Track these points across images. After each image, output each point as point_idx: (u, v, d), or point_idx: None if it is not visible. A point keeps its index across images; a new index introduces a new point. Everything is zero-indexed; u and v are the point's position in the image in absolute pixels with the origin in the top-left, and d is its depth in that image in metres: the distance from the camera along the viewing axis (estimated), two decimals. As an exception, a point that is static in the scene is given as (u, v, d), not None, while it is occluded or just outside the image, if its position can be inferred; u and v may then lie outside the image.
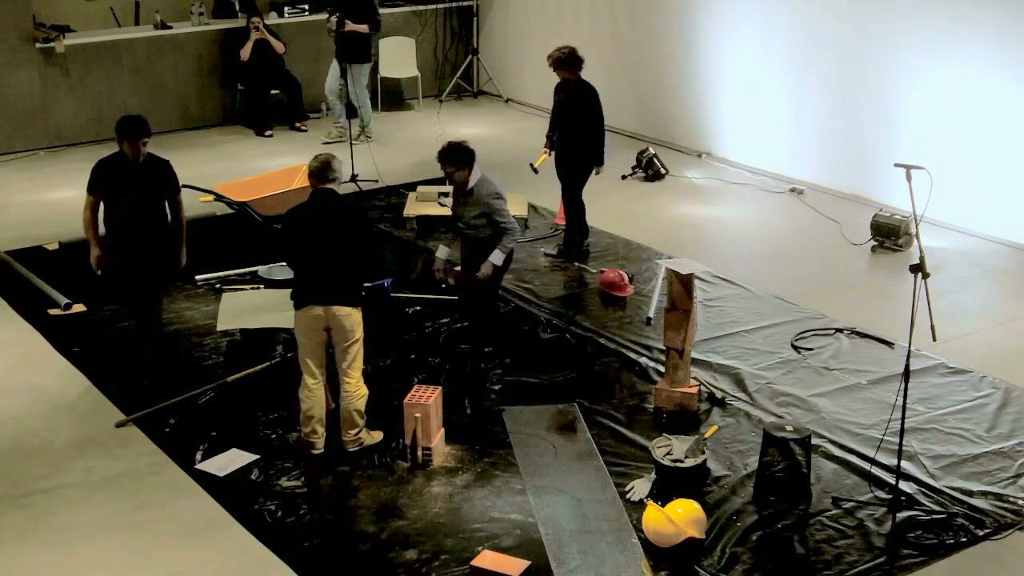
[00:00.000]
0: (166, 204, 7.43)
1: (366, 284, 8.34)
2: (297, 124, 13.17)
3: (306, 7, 13.66)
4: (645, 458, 6.39)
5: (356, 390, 6.48)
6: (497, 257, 7.29)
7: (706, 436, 6.65)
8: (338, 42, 12.16)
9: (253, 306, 7.71)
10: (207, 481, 6.32)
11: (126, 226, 7.27)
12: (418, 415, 6.34)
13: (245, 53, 12.79)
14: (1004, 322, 8.22)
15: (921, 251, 5.85)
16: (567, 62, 9.10)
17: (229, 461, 6.49)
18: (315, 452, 6.53)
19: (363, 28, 12.21)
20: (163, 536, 5.87)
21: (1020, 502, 6.08)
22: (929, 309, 5.93)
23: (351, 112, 12.23)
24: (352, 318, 6.39)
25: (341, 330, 6.38)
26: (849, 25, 10.50)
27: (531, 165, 9.42)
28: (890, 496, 6.08)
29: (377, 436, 6.65)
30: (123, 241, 7.31)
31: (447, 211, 10.17)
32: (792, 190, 10.93)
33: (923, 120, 9.99)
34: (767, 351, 7.77)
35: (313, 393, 6.49)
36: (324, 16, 12.46)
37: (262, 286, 8.39)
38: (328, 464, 6.47)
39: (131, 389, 7.27)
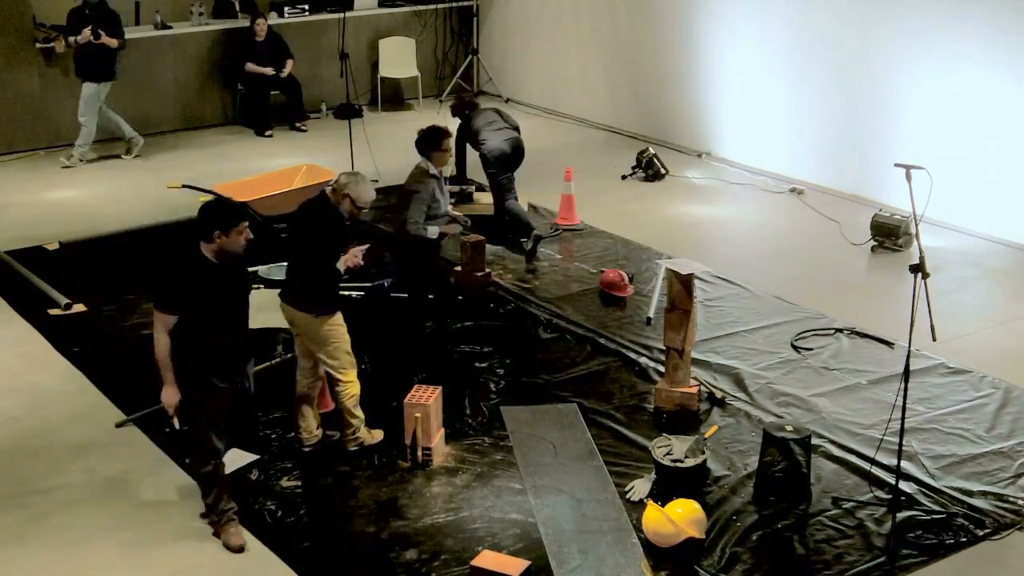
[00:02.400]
0: None
1: (366, 284, 8.37)
2: (297, 124, 13.18)
3: (306, 7, 13.66)
4: (645, 458, 6.39)
5: (343, 390, 6.43)
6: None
7: (706, 436, 6.65)
8: (82, 58, 11.63)
9: (253, 306, 7.69)
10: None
11: (211, 348, 5.59)
12: (418, 415, 6.34)
13: (252, 68, 12.80)
14: (1004, 322, 8.22)
15: (921, 251, 5.85)
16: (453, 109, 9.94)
17: (229, 461, 6.47)
18: (304, 449, 6.52)
19: (113, 42, 11.71)
20: (163, 536, 5.87)
21: (1020, 502, 6.08)
22: (929, 309, 5.93)
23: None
24: (310, 325, 6.32)
25: (307, 333, 6.37)
26: (849, 25, 10.50)
27: None
28: (890, 496, 6.08)
29: (378, 435, 6.65)
30: (204, 369, 5.60)
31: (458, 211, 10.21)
32: (792, 190, 10.93)
33: (923, 120, 9.99)
34: (767, 351, 7.77)
35: (303, 373, 6.49)
36: (82, 34, 11.54)
37: (262, 286, 8.38)
38: (328, 464, 6.47)
39: (131, 389, 7.27)
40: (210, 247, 5.49)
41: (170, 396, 5.57)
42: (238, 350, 5.73)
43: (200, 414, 5.65)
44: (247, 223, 5.56)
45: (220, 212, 5.54)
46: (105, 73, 11.73)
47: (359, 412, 6.55)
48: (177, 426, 5.66)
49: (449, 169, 11.26)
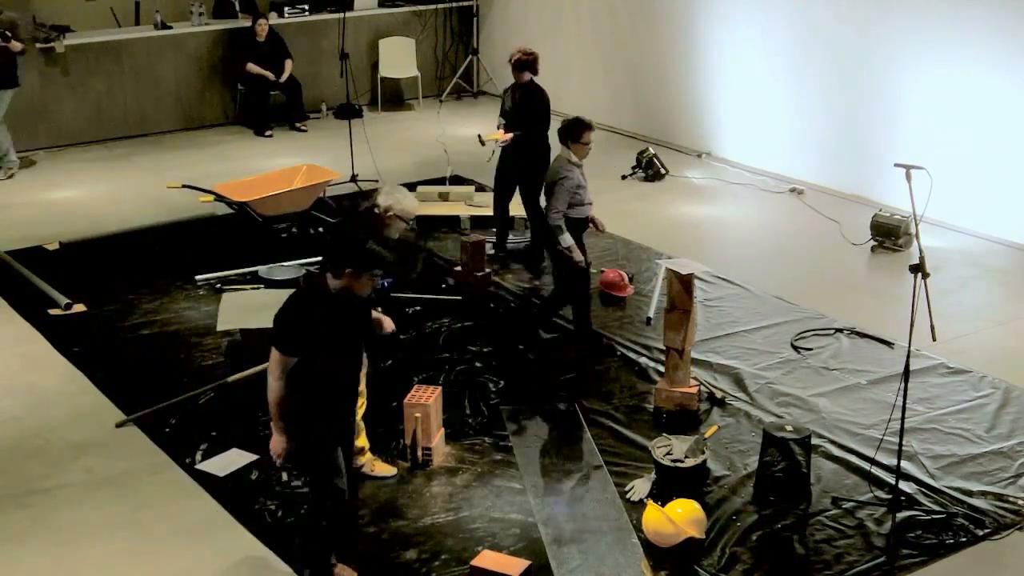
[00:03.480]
0: None
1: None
2: (297, 124, 13.18)
3: (306, 7, 13.66)
4: (645, 458, 6.39)
5: None
6: None
7: (706, 436, 6.65)
8: None
9: (253, 306, 7.71)
10: (207, 481, 6.31)
11: (336, 393, 5.27)
12: (418, 415, 6.34)
13: (253, 69, 12.80)
14: (1004, 322, 8.22)
15: (921, 251, 5.85)
16: (530, 65, 9.01)
17: (229, 461, 6.49)
18: None
19: (18, 46, 11.17)
20: (163, 536, 5.87)
21: (1020, 502, 6.08)
22: (929, 309, 5.93)
23: None
24: None
25: None
26: (849, 25, 10.50)
27: (479, 137, 9.36)
28: (890, 496, 6.08)
29: (387, 470, 6.38)
30: (330, 417, 5.26)
31: (459, 211, 10.13)
32: (792, 190, 10.93)
33: (923, 120, 9.99)
34: (767, 351, 7.77)
35: None
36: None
37: (262, 286, 8.39)
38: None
39: (131, 389, 7.27)
40: (336, 281, 5.09)
41: (279, 445, 5.16)
42: (349, 395, 5.37)
43: (316, 459, 5.28)
44: (380, 272, 5.25)
45: (358, 252, 5.13)
46: (9, 80, 11.32)
47: (358, 440, 6.29)
48: (285, 477, 5.41)
49: (449, 169, 11.30)
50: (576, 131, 7.50)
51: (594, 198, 10.71)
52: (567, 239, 7.41)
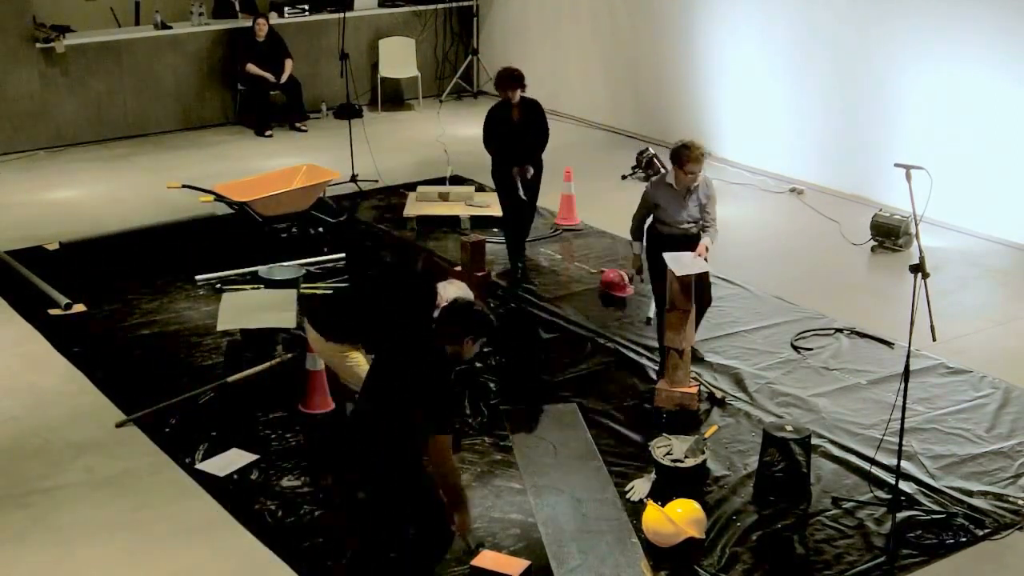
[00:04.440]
0: None
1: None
2: (297, 124, 13.17)
3: (306, 7, 13.66)
4: (645, 458, 6.40)
5: None
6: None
7: (706, 436, 6.65)
8: None
9: (253, 306, 7.72)
10: (207, 481, 6.31)
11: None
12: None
13: (253, 70, 12.80)
14: (1004, 322, 8.22)
15: (921, 251, 5.85)
16: (523, 78, 8.99)
17: (229, 461, 6.49)
18: None
19: None
20: (163, 536, 5.87)
21: (1020, 502, 6.09)
22: (929, 309, 5.93)
23: None
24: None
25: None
26: (849, 25, 10.50)
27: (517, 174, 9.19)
28: (890, 496, 6.08)
29: None
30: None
31: (459, 211, 10.12)
32: (792, 190, 10.93)
33: (923, 120, 9.99)
34: (767, 351, 7.77)
35: None
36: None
37: (262, 286, 8.39)
38: (328, 464, 6.46)
39: (131, 389, 7.28)
40: (453, 347, 5.32)
41: (468, 521, 5.46)
42: None
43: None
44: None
45: (479, 322, 5.39)
46: None
47: None
48: (472, 546, 5.56)
49: (450, 169, 11.30)
50: (678, 156, 7.18)
51: (595, 198, 10.71)
52: (636, 246, 7.57)
